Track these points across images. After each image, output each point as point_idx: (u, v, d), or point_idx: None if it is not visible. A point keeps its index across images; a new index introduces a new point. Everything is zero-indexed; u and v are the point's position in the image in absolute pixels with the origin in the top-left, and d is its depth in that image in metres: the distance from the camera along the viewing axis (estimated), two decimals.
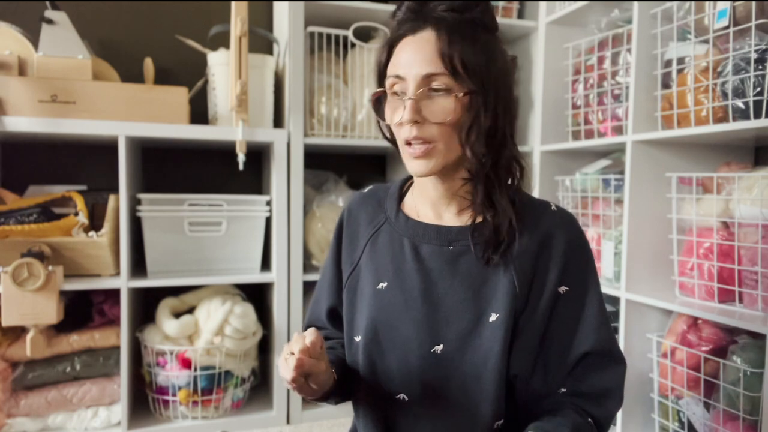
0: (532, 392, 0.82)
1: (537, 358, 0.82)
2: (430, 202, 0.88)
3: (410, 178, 0.96)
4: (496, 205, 0.83)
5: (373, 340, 0.85)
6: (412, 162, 0.82)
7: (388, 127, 0.88)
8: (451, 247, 0.85)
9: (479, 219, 0.85)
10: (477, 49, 0.80)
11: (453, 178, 0.85)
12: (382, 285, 0.87)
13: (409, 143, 0.81)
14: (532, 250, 0.83)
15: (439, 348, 0.81)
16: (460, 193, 0.86)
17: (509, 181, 0.85)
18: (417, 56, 0.79)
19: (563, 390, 0.83)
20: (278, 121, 1.85)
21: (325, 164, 2.05)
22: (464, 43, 0.79)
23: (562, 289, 0.83)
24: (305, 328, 1.02)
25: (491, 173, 0.83)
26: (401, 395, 0.83)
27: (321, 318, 1.00)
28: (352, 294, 0.91)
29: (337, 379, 0.85)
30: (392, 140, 0.90)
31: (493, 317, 0.80)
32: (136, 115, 1.58)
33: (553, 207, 0.88)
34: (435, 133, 0.79)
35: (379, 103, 0.87)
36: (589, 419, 0.80)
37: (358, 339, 0.87)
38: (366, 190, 1.00)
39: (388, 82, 0.82)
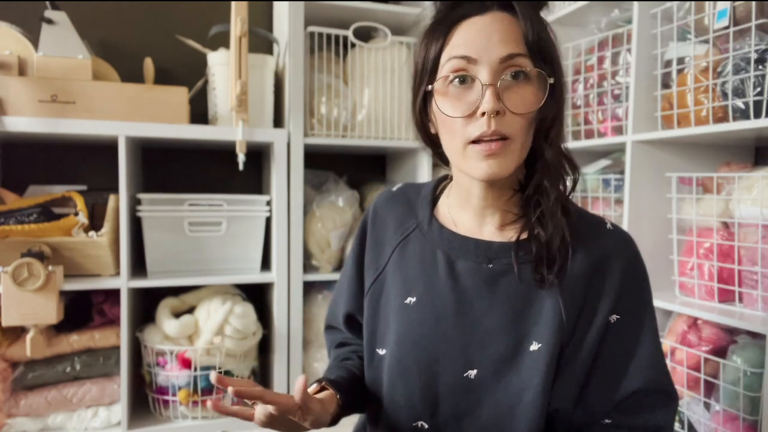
0: (573, 425, 0.75)
1: (582, 391, 0.74)
2: (472, 212, 0.79)
3: (443, 179, 0.87)
4: (548, 217, 0.73)
5: (397, 360, 0.77)
6: (482, 162, 0.69)
7: (425, 128, 0.78)
8: (491, 265, 0.76)
9: (524, 236, 0.76)
10: (548, 33, 0.71)
11: (504, 187, 0.76)
12: (411, 300, 0.79)
13: (477, 141, 0.69)
14: (584, 275, 0.74)
15: (472, 373, 0.73)
16: (506, 206, 0.77)
17: (562, 189, 0.76)
18: (491, 36, 0.68)
19: (608, 421, 0.75)
20: (278, 121, 1.85)
21: (325, 164, 2.05)
22: (539, 25, 0.70)
23: (614, 318, 0.74)
24: (325, 328, 0.99)
25: (545, 180, 0.74)
26: (419, 422, 0.76)
27: (338, 320, 0.94)
28: (375, 303, 0.84)
29: (342, 404, 0.79)
30: (433, 142, 0.80)
31: (534, 346, 0.72)
32: (136, 115, 1.58)
33: (609, 225, 0.80)
34: (515, 128, 0.68)
35: (424, 102, 0.76)
36: None
37: (381, 352, 0.80)
38: (395, 188, 0.91)
39: (449, 66, 0.70)
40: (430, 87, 0.73)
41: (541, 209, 0.74)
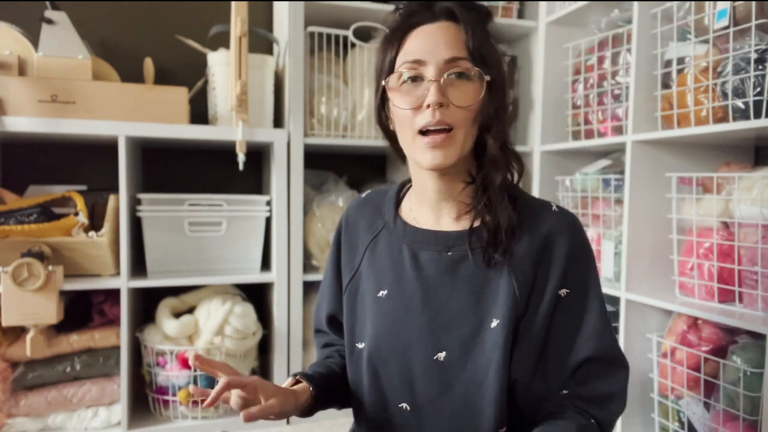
0: (533, 396, 0.81)
1: (537, 362, 0.80)
2: (429, 206, 0.87)
3: (408, 182, 0.94)
4: (495, 204, 0.81)
5: (375, 349, 0.83)
6: (427, 153, 0.79)
7: (384, 125, 0.87)
8: (450, 253, 0.83)
9: (477, 223, 0.83)
10: (490, 41, 0.81)
11: (455, 180, 0.83)
12: (383, 293, 0.86)
13: (424, 132, 0.78)
14: (533, 254, 0.81)
15: (441, 355, 0.80)
16: (460, 197, 0.85)
17: (508, 179, 0.84)
18: (438, 41, 0.78)
19: (565, 392, 0.81)
20: (278, 121, 1.85)
21: (325, 164, 2.05)
22: (481, 33, 0.80)
23: (563, 291, 0.81)
24: (314, 332, 1.05)
25: (490, 171, 0.82)
26: (403, 404, 0.83)
27: (322, 323, 1.00)
28: (353, 300, 0.90)
29: (315, 396, 0.86)
30: (392, 138, 0.88)
31: (494, 323, 0.79)
32: (136, 115, 1.58)
33: (554, 207, 0.86)
34: (458, 119, 0.77)
35: (382, 100, 0.85)
36: (592, 420, 0.80)
37: (360, 346, 0.86)
38: (364, 195, 0.99)
39: (403, 68, 0.80)
40: (384, 83, 0.82)
41: (488, 197, 0.82)
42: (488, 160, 0.82)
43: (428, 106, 0.77)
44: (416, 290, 0.83)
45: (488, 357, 0.78)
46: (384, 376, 0.84)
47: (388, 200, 0.93)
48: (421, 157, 0.79)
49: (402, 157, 0.90)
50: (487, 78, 0.79)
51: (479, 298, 0.81)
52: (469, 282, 0.81)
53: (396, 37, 0.82)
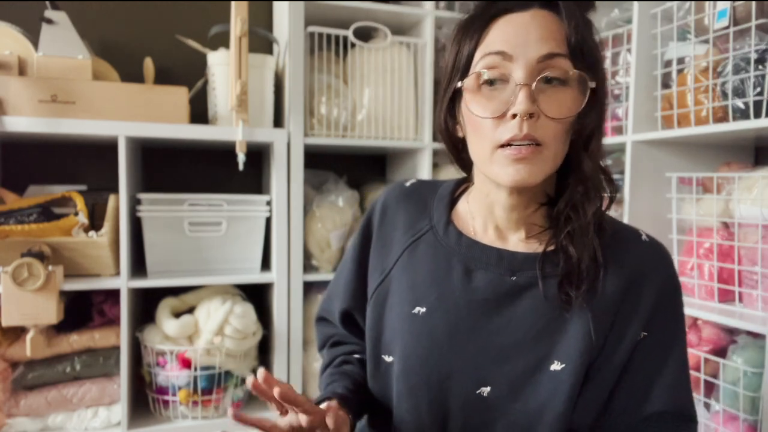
0: None
1: (601, 410, 0.70)
2: (492, 224, 0.74)
3: (463, 181, 0.82)
4: (579, 235, 0.68)
5: (403, 373, 0.73)
6: (509, 167, 0.64)
7: (451, 133, 0.74)
8: (514, 278, 0.70)
9: (551, 247, 0.70)
10: (593, 35, 0.68)
11: (531, 201, 0.71)
12: (420, 310, 0.73)
13: (506, 145, 0.64)
14: (616, 292, 0.69)
15: (485, 390, 0.69)
16: (532, 218, 0.72)
17: (598, 203, 0.70)
18: (530, 33, 0.64)
19: None
20: (278, 121, 1.85)
21: (325, 164, 2.05)
22: (584, 26, 0.67)
23: (642, 334, 0.70)
24: (317, 319, 0.92)
25: (581, 195, 0.69)
26: None
27: (333, 316, 0.89)
28: (380, 308, 0.78)
29: (353, 425, 0.75)
30: (456, 146, 0.76)
31: (556, 366, 0.67)
32: (136, 115, 1.58)
33: (644, 237, 0.74)
34: (549, 134, 0.63)
35: (451, 103, 0.72)
36: None
37: (388, 359, 0.76)
38: (408, 183, 0.85)
39: (483, 63, 0.65)
40: (460, 84, 0.68)
41: (572, 226, 0.68)
42: (580, 183, 0.69)
43: (514, 115, 0.63)
44: (466, 315, 0.71)
45: (543, 401, 0.67)
46: (410, 403, 0.73)
47: (439, 199, 0.79)
48: (501, 172, 0.65)
49: (464, 170, 0.78)
50: (592, 84, 0.65)
51: (541, 334, 0.69)
52: (533, 314, 0.69)
53: (475, 27, 0.67)
